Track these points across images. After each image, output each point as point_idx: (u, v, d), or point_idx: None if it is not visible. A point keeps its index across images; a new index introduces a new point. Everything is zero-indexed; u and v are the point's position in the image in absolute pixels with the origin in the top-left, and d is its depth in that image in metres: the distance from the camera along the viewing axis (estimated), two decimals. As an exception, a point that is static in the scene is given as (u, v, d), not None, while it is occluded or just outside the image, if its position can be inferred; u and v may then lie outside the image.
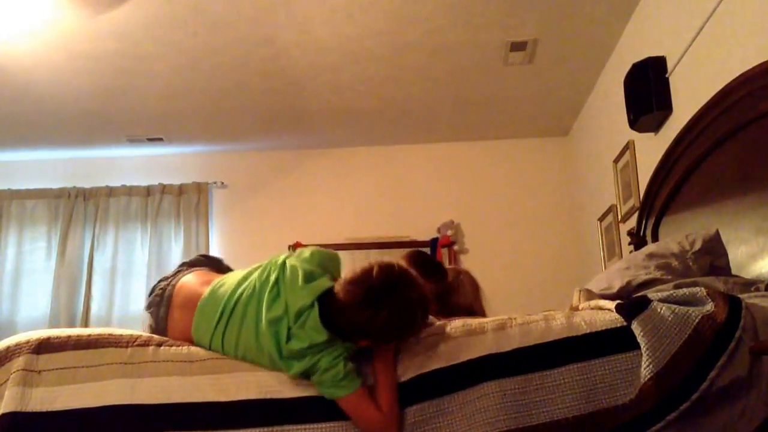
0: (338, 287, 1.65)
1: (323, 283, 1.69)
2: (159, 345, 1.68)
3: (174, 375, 1.61)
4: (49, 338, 1.66)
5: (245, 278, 1.79)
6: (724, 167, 2.52)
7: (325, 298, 1.65)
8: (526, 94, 4.52)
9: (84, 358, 1.63)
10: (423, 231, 5.08)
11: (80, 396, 1.57)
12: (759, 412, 1.50)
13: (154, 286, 1.96)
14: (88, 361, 1.63)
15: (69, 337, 1.67)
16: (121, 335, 1.70)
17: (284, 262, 1.75)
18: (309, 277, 1.70)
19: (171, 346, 1.69)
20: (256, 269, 1.81)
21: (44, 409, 1.55)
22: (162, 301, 1.85)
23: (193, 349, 1.69)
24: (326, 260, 1.79)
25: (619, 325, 1.64)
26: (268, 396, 1.58)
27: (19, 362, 1.60)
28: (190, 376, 1.61)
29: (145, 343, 1.68)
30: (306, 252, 1.80)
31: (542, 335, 1.63)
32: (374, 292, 1.60)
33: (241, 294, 1.74)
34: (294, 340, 1.61)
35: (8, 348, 1.65)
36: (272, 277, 1.72)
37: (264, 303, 1.68)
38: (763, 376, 1.52)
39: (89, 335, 1.68)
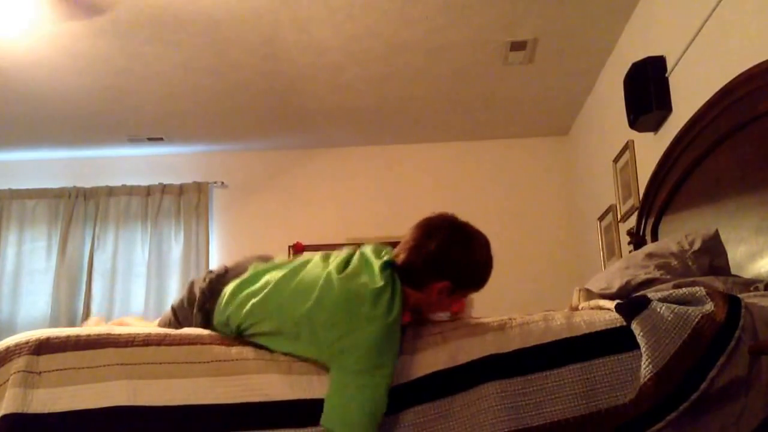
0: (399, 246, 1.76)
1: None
2: (158, 344, 1.68)
3: (176, 377, 1.60)
4: (48, 338, 1.66)
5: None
6: (724, 167, 2.52)
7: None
8: (526, 93, 4.52)
9: (84, 359, 1.62)
10: (423, 231, 5.07)
11: (81, 397, 1.56)
12: (758, 412, 1.50)
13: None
14: (88, 361, 1.62)
15: (68, 337, 1.67)
16: (120, 334, 1.69)
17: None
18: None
19: (170, 344, 1.68)
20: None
21: (46, 411, 1.54)
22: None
23: (194, 348, 1.68)
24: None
25: (618, 324, 1.64)
26: (271, 399, 1.57)
27: (19, 363, 1.60)
28: (192, 378, 1.60)
29: (145, 343, 1.67)
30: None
31: (542, 335, 1.63)
32: (437, 226, 1.74)
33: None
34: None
35: (8, 348, 1.65)
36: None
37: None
38: (762, 376, 1.52)
39: (89, 335, 1.68)
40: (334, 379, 1.57)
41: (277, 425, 1.55)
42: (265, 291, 1.70)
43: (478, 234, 1.80)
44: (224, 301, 1.76)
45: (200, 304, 1.84)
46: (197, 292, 1.86)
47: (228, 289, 1.78)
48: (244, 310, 1.70)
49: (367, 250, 1.81)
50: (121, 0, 3.37)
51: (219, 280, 1.84)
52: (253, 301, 1.70)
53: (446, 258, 1.71)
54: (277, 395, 1.58)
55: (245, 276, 1.81)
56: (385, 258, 1.74)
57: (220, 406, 1.57)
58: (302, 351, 1.64)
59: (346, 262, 1.73)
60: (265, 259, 1.97)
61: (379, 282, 1.63)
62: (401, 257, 1.74)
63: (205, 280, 1.87)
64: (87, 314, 4.98)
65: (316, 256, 1.81)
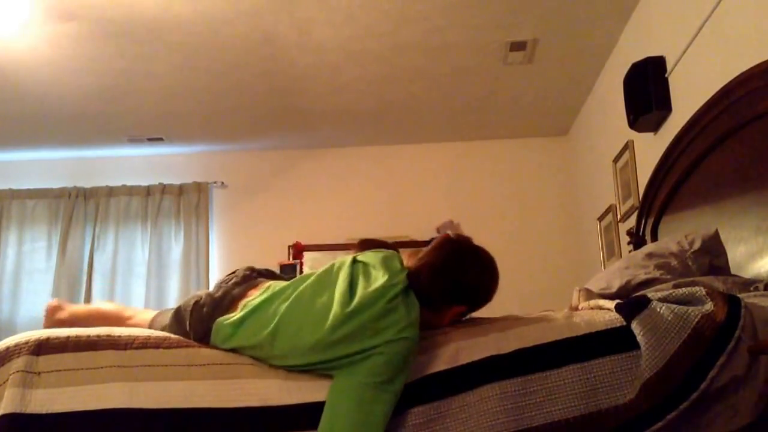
0: (416, 264, 1.79)
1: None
2: (157, 347, 1.68)
3: (173, 380, 1.60)
4: (48, 339, 1.66)
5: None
6: (724, 167, 2.52)
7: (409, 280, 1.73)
8: (526, 93, 4.52)
9: (83, 360, 1.62)
10: (423, 231, 5.08)
11: (80, 399, 1.56)
12: (750, 409, 1.50)
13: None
14: (87, 363, 1.62)
15: (68, 338, 1.67)
16: (120, 336, 1.69)
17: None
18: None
19: (168, 347, 1.68)
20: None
21: (44, 411, 1.54)
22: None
23: (192, 351, 1.68)
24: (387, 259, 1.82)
25: (618, 324, 1.63)
26: (269, 403, 1.57)
27: (18, 363, 1.60)
28: (190, 381, 1.60)
29: (143, 345, 1.67)
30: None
31: (542, 336, 1.63)
32: (461, 252, 1.79)
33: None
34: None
35: (8, 348, 1.65)
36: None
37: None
38: (759, 375, 1.52)
39: (88, 336, 1.68)
40: (341, 387, 1.55)
41: (274, 430, 1.55)
42: (274, 324, 1.65)
43: (490, 256, 1.84)
44: (221, 338, 1.72)
45: (193, 336, 1.77)
46: (186, 325, 1.80)
47: (224, 329, 1.72)
48: (250, 343, 1.68)
49: (369, 261, 1.78)
50: (121, 0, 3.37)
51: (210, 316, 1.78)
52: (262, 334, 1.65)
53: (471, 286, 1.77)
54: (274, 400, 1.58)
55: (242, 314, 1.73)
56: (400, 276, 1.71)
57: (217, 410, 1.56)
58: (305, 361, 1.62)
59: (351, 286, 1.69)
60: (251, 275, 1.92)
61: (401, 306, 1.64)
62: (424, 279, 1.74)
63: (192, 313, 1.79)
64: (87, 314, 4.98)
65: (312, 279, 1.76)
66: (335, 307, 1.61)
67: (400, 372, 1.55)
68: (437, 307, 1.74)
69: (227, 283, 1.89)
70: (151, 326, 1.94)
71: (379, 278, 1.68)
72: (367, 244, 2.04)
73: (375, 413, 1.51)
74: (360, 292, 1.65)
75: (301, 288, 1.73)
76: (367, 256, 1.82)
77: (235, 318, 1.72)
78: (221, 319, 1.74)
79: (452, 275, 1.75)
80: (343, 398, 1.53)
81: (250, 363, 1.66)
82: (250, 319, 1.70)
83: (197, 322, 1.77)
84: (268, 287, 1.80)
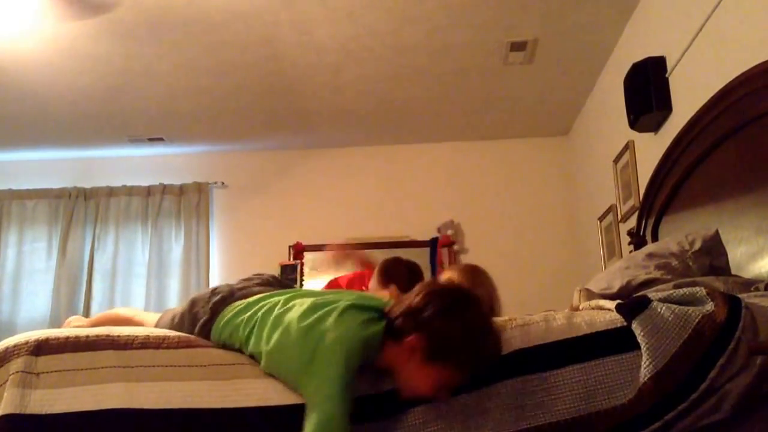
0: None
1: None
2: (157, 347, 1.68)
3: (173, 380, 1.60)
4: (47, 339, 1.66)
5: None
6: (724, 167, 2.52)
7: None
8: (526, 94, 4.52)
9: (83, 361, 1.62)
10: (423, 231, 5.08)
11: (79, 399, 1.56)
12: (731, 405, 1.50)
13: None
14: (86, 363, 1.62)
15: (67, 338, 1.66)
16: (119, 336, 1.69)
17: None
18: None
19: (168, 348, 1.68)
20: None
21: (44, 412, 1.54)
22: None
23: (191, 351, 1.68)
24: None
25: (619, 325, 1.63)
26: (268, 403, 1.57)
27: (17, 363, 1.60)
28: (190, 381, 1.60)
29: (143, 345, 1.67)
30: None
31: (542, 336, 1.63)
32: (439, 291, 1.64)
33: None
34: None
35: (7, 349, 1.65)
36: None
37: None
38: (749, 372, 1.52)
39: (87, 336, 1.68)
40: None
41: (274, 430, 1.55)
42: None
43: (481, 313, 1.62)
44: (221, 325, 1.74)
45: (201, 329, 1.78)
46: (200, 315, 1.80)
47: (228, 315, 1.75)
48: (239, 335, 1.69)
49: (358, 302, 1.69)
50: (122, 0, 3.37)
51: (222, 302, 1.80)
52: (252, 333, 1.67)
53: (427, 311, 1.57)
54: (274, 400, 1.57)
55: (242, 305, 1.76)
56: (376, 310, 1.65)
57: (217, 410, 1.56)
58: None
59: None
60: (265, 281, 1.96)
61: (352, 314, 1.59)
62: (395, 308, 1.64)
63: (209, 301, 1.81)
64: (87, 315, 4.98)
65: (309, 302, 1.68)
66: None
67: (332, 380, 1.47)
68: (399, 334, 1.57)
69: (251, 281, 1.95)
70: (157, 326, 1.94)
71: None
72: (390, 264, 2.03)
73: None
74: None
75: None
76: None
77: (235, 310, 1.75)
78: (224, 312, 1.77)
79: (415, 298, 1.60)
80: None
81: (250, 363, 1.66)
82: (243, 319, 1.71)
83: (209, 305, 1.80)
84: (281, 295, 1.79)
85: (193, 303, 1.86)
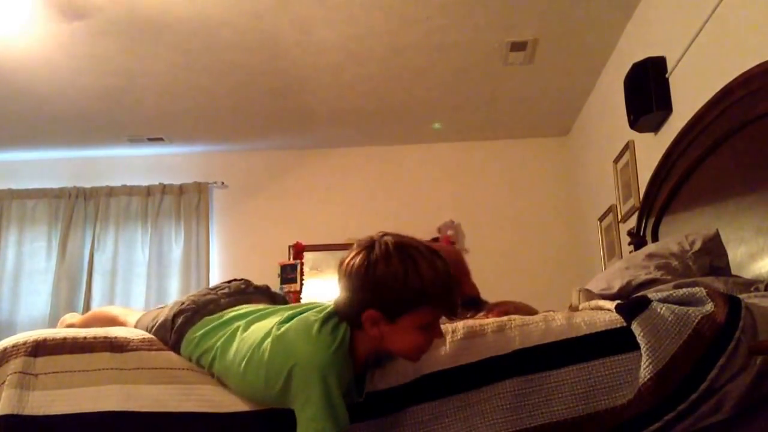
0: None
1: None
2: (151, 349, 1.67)
3: (169, 383, 1.60)
4: (45, 340, 1.66)
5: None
6: (724, 167, 2.52)
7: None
8: (526, 94, 4.52)
9: (80, 362, 1.62)
10: (423, 231, 5.06)
11: (76, 401, 1.56)
12: (732, 406, 1.50)
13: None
14: (84, 365, 1.62)
15: (65, 339, 1.66)
16: (116, 337, 1.69)
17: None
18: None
19: (162, 350, 1.68)
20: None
21: (41, 413, 1.54)
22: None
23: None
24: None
25: (619, 325, 1.63)
26: (264, 407, 1.57)
27: (16, 364, 1.60)
28: (186, 385, 1.60)
29: (138, 347, 1.67)
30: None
31: (542, 336, 1.63)
32: (351, 248, 1.55)
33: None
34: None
35: (5, 349, 1.65)
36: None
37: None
38: (749, 373, 1.52)
39: (85, 337, 1.67)
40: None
41: None
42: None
43: (393, 248, 1.51)
44: (190, 348, 1.67)
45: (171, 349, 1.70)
46: (166, 339, 1.71)
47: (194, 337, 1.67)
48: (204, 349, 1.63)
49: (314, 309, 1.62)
50: (122, 0, 3.37)
51: (187, 324, 1.69)
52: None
53: (355, 283, 1.49)
54: (269, 404, 1.56)
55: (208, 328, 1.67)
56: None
57: (213, 415, 1.56)
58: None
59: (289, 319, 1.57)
60: (246, 290, 1.83)
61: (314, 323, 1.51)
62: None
63: (173, 325, 1.70)
64: (86, 314, 4.98)
65: (275, 318, 1.61)
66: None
67: (317, 401, 1.43)
68: (356, 320, 1.51)
69: (218, 290, 1.82)
70: (136, 327, 1.87)
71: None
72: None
73: None
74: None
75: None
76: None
77: (201, 332, 1.65)
78: (189, 333, 1.67)
79: (340, 274, 1.54)
80: None
81: None
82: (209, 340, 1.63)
83: (173, 331, 1.69)
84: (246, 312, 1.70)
85: (162, 326, 1.73)
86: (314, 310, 1.59)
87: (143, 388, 1.59)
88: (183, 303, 1.75)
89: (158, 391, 1.59)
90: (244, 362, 1.53)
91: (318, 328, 1.50)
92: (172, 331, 1.69)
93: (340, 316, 1.53)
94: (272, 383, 1.49)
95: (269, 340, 1.52)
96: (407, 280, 1.46)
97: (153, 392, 1.58)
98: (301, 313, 1.59)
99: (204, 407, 1.57)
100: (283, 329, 1.52)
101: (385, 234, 1.57)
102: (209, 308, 1.72)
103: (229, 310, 1.71)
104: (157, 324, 1.75)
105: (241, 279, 1.89)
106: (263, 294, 1.89)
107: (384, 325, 1.48)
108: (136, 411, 1.55)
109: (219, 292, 1.80)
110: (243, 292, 1.83)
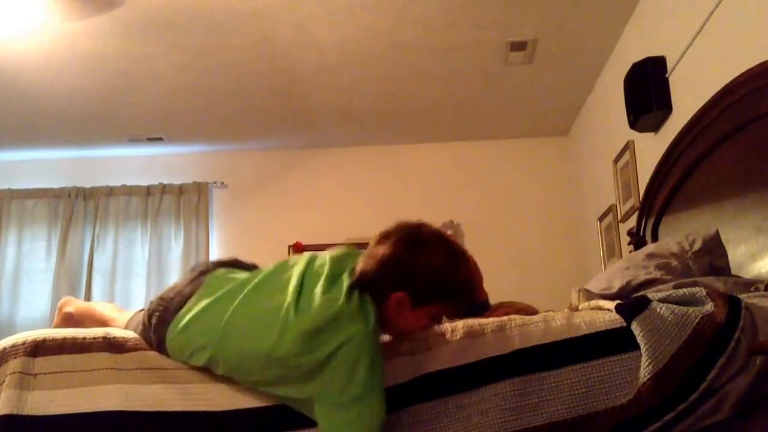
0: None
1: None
2: (151, 349, 1.68)
3: (167, 383, 1.60)
4: (44, 340, 1.66)
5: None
6: (724, 167, 2.52)
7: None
8: (526, 93, 4.52)
9: (79, 362, 1.62)
10: (423, 231, 5.07)
11: (75, 401, 1.56)
12: (731, 406, 1.50)
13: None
14: (83, 365, 1.62)
15: (64, 339, 1.66)
16: (115, 337, 1.69)
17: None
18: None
19: None
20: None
21: (40, 413, 1.54)
22: None
23: None
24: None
25: (618, 325, 1.63)
26: (263, 404, 1.57)
27: (14, 364, 1.60)
28: (184, 384, 1.60)
29: (136, 347, 1.67)
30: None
31: (542, 337, 1.63)
32: (390, 231, 1.61)
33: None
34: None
35: (4, 349, 1.64)
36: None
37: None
38: (748, 373, 1.52)
39: (84, 338, 1.67)
40: (321, 415, 1.47)
41: (270, 429, 1.55)
42: (222, 328, 1.55)
43: (441, 241, 1.61)
44: (176, 348, 1.63)
45: (158, 351, 1.67)
46: (151, 341, 1.67)
47: (172, 341, 1.63)
48: (198, 346, 1.57)
49: (326, 262, 1.64)
50: (121, 0, 3.37)
51: (162, 324, 1.65)
52: (210, 339, 1.55)
53: (397, 263, 1.55)
54: (268, 401, 1.57)
55: (186, 320, 1.61)
56: (347, 272, 1.60)
57: (212, 413, 1.56)
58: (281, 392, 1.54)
59: (300, 286, 1.57)
60: (207, 270, 1.77)
61: (339, 303, 1.51)
62: (357, 268, 1.60)
63: (150, 327, 1.66)
64: (86, 314, 4.97)
65: (262, 276, 1.63)
66: (286, 321, 1.50)
67: (364, 379, 1.44)
68: (379, 297, 1.57)
69: (181, 281, 1.79)
70: (126, 328, 1.85)
71: (319, 295, 1.54)
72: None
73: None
74: (306, 307, 1.53)
75: (248, 290, 1.60)
76: (322, 260, 1.68)
77: (180, 325, 1.60)
78: (168, 332, 1.62)
79: (378, 253, 1.58)
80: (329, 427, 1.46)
81: None
82: (195, 324, 1.59)
83: (152, 332, 1.66)
84: (211, 285, 1.67)
85: (143, 330, 1.70)
86: (320, 284, 1.56)
87: (142, 387, 1.59)
88: (152, 303, 1.72)
89: (157, 391, 1.59)
90: (267, 346, 1.48)
91: (358, 305, 1.52)
92: (152, 333, 1.66)
93: (364, 287, 1.56)
94: (304, 363, 1.46)
95: (300, 321, 1.48)
96: (446, 274, 1.56)
97: (152, 392, 1.58)
98: (300, 282, 1.57)
99: (202, 406, 1.57)
100: (315, 308, 1.50)
101: (426, 224, 1.64)
102: (176, 301, 1.67)
103: (191, 302, 1.65)
104: (139, 329, 1.72)
105: (204, 262, 1.85)
106: (228, 266, 1.82)
107: (407, 307, 1.56)
108: (135, 411, 1.55)
109: (181, 283, 1.76)
110: (203, 273, 1.76)
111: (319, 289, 1.55)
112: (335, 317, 1.49)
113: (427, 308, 1.60)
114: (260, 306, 1.57)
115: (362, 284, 1.57)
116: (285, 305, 1.52)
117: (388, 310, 1.57)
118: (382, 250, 1.59)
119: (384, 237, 1.61)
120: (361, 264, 1.61)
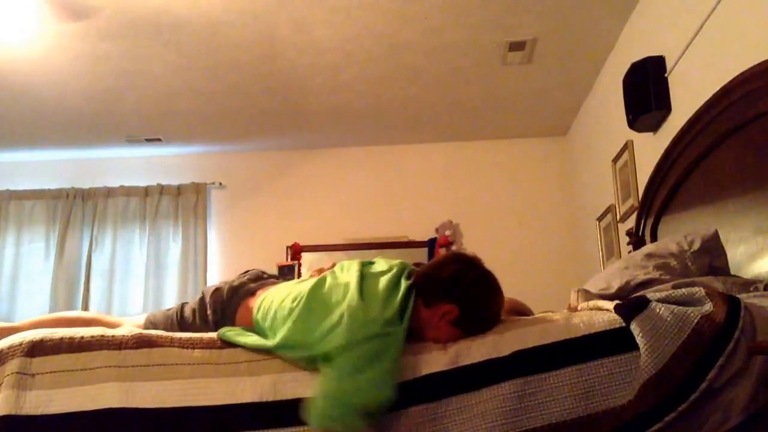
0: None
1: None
2: (150, 346, 1.68)
3: (167, 379, 1.60)
4: (42, 340, 1.66)
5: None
6: (723, 167, 2.52)
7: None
8: (525, 93, 4.51)
9: (78, 361, 1.63)
10: (421, 231, 5.07)
11: (75, 399, 1.57)
12: (741, 409, 1.49)
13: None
14: (81, 364, 1.62)
15: (62, 339, 1.67)
16: (114, 336, 1.70)
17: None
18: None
19: (161, 346, 1.68)
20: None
21: (39, 413, 1.54)
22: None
23: (185, 351, 1.69)
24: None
25: (617, 325, 1.62)
26: (263, 399, 1.57)
27: (12, 365, 1.60)
28: (184, 379, 1.60)
29: (137, 345, 1.67)
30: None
31: (541, 337, 1.62)
32: (465, 260, 1.83)
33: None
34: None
35: (2, 351, 1.65)
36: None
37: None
38: (752, 374, 1.51)
39: (82, 337, 1.68)
40: (329, 376, 1.57)
41: (270, 424, 1.55)
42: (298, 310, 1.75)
43: (494, 278, 1.83)
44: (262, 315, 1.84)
45: (213, 321, 1.94)
46: (210, 307, 1.98)
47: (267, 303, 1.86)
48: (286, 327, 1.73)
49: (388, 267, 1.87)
50: (120, 1, 3.36)
51: (229, 299, 1.96)
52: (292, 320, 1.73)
53: (464, 285, 1.76)
54: (268, 395, 1.58)
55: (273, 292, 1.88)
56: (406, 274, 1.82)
57: (212, 408, 1.56)
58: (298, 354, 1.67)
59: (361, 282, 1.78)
60: (263, 276, 2.10)
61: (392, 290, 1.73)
62: (423, 273, 1.82)
63: (212, 294, 1.99)
64: (85, 315, 4.97)
65: (329, 278, 1.84)
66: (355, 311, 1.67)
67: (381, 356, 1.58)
68: (430, 302, 1.74)
69: (242, 278, 2.08)
70: (145, 327, 1.96)
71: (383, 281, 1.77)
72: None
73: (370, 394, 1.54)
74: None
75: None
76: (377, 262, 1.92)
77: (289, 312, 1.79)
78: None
79: (452, 268, 1.79)
80: (335, 387, 1.56)
81: (244, 361, 1.67)
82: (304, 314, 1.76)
83: (217, 303, 1.96)
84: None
85: (202, 301, 2.01)
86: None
87: (141, 384, 1.60)
88: (224, 284, 2.04)
89: (156, 388, 1.59)
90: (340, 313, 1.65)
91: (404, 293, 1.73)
92: (231, 299, 1.95)
93: (420, 287, 1.76)
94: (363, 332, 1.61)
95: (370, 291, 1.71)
96: (484, 303, 1.76)
97: (151, 388, 1.59)
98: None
99: (202, 401, 1.57)
100: (379, 291, 1.71)
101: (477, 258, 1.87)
102: (241, 291, 1.99)
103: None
104: (215, 293, 2.00)
105: (255, 269, 2.17)
106: (277, 280, 2.14)
107: (448, 321, 1.72)
108: (135, 408, 1.55)
109: (244, 279, 2.07)
110: (261, 277, 2.10)
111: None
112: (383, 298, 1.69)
113: (459, 330, 1.71)
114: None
115: (421, 284, 1.77)
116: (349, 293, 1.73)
117: (431, 314, 1.73)
118: (444, 267, 1.82)
119: (460, 257, 1.87)
120: (426, 268, 1.85)
